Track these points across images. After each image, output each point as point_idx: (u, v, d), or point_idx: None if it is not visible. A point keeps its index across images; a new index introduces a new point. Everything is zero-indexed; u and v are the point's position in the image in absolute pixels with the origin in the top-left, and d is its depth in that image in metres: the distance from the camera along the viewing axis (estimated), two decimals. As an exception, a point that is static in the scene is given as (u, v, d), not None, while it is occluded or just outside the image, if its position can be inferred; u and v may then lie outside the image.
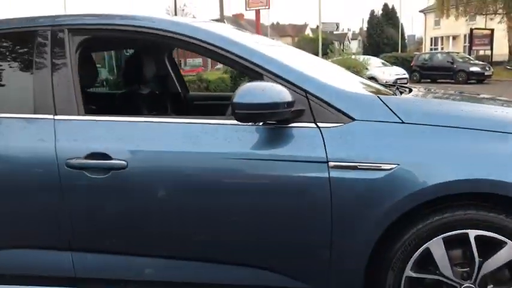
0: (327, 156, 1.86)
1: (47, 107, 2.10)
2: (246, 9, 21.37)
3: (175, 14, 27.49)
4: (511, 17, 29.27)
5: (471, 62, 24.65)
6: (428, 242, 1.86)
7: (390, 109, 1.93)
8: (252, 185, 1.96)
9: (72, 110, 2.10)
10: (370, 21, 60.14)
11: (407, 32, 62.14)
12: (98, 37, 2.42)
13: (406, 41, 53.80)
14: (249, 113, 1.84)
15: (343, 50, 19.82)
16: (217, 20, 28.34)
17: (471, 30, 29.32)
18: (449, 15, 31.54)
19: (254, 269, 2.00)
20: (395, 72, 20.16)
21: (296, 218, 1.92)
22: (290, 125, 1.93)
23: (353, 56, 17.39)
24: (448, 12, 31.42)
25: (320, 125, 1.91)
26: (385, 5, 60.06)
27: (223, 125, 2.02)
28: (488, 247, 1.84)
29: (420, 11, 50.72)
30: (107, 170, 1.99)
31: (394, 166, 1.83)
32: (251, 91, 1.83)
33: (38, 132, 2.08)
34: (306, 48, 2.82)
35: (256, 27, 21.27)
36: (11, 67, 2.31)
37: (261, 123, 1.94)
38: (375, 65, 20.49)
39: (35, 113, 2.12)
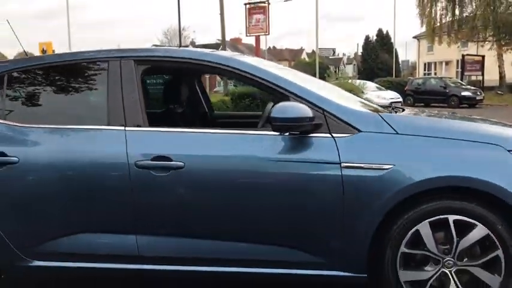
0: (340, 159, 2.44)
1: (119, 120, 2.68)
2: (247, 35, 22.25)
3: (180, 38, 28.24)
4: (500, 44, 30.29)
5: (463, 87, 25.51)
6: (418, 225, 2.43)
7: (388, 123, 2.52)
8: (281, 181, 2.52)
9: (139, 122, 2.68)
10: (365, 47, 61.43)
11: (402, 57, 63.35)
12: (157, 66, 3.03)
13: (401, 66, 54.95)
14: (282, 125, 2.43)
15: (339, 74, 20.62)
16: (218, 45, 29.11)
17: (463, 56, 30.30)
18: (441, 41, 32.60)
19: (285, 248, 2.55)
20: (389, 96, 20.88)
21: (318, 206, 2.48)
22: (310, 135, 2.51)
23: (349, 80, 18.15)
24: (440, 39, 32.49)
25: (334, 135, 2.50)
26: (380, 31, 61.43)
27: (257, 135, 2.62)
28: (464, 228, 2.41)
29: (414, 37, 52.00)
30: (168, 169, 2.56)
31: (390, 166, 2.41)
32: (284, 109, 2.43)
33: (112, 139, 2.65)
34: (303, 72, 3.37)
35: (256, 52, 22.08)
36: (89, 89, 2.91)
37: (287, 133, 2.53)
38: (370, 89, 21.22)
39: (108, 124, 2.70)
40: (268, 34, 21.81)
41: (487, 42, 31.58)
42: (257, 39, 22.12)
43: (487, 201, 2.39)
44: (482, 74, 30.30)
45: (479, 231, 2.40)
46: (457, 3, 30.56)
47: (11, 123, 2.79)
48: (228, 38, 24.66)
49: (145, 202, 2.62)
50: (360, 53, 65.23)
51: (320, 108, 2.55)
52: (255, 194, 2.55)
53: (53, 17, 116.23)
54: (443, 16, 31.58)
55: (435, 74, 47.12)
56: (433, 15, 31.21)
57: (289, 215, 2.53)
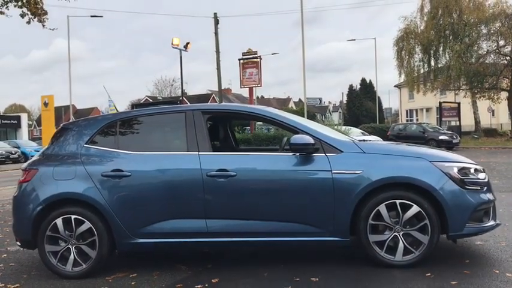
0: (331, 168, 4.12)
1: (194, 148, 4.35)
2: (241, 87, 24.33)
3: (182, 88, 30.27)
4: (473, 92, 32.60)
5: (440, 131, 27.56)
6: (378, 206, 4.08)
7: (358, 146, 4.23)
8: (296, 182, 4.18)
9: (207, 149, 4.35)
10: (349, 95, 64.01)
11: (385, 105, 66.13)
12: (217, 116, 4.77)
13: (384, 113, 57.54)
14: (297, 148, 4.13)
15: (326, 122, 22.57)
16: (209, 95, 31.06)
17: (440, 103, 32.45)
18: (419, 90, 34.90)
19: (299, 224, 4.16)
20: (373, 139, 22.61)
21: (319, 196, 4.12)
22: (313, 154, 4.19)
23: (336, 127, 20.11)
24: (418, 88, 34.82)
25: (327, 154, 4.19)
26: (363, 80, 64.30)
27: (279, 155, 4.33)
28: (405, 208, 4.07)
29: (395, 86, 54.87)
30: (226, 177, 4.21)
31: (360, 171, 4.09)
32: (298, 138, 4.14)
33: (190, 160, 4.31)
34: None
35: (250, 102, 24.03)
36: (174, 128, 4.61)
37: (298, 154, 4.21)
38: (355, 134, 23.09)
39: (188, 151, 4.36)
40: (261, 86, 23.99)
41: (461, 90, 33.91)
42: (250, 90, 24.20)
43: (418, 191, 4.07)
44: (459, 120, 32.39)
45: (415, 209, 4.05)
46: (432, 55, 33.06)
47: (123, 151, 4.45)
48: (217, 89, 26.99)
49: (211, 198, 4.24)
50: (344, 101, 67.94)
51: (318, 138, 4.25)
52: (280, 191, 4.19)
53: (45, 69, 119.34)
54: (420, 67, 33.99)
55: (417, 120, 49.65)
56: (412, 65, 33.57)
57: (301, 203, 4.16)
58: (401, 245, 4.07)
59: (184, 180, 4.29)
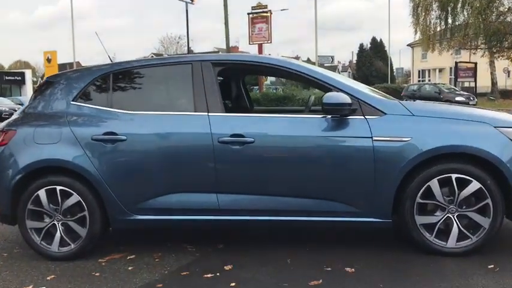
0: (371, 134, 3.33)
1: (202, 107, 3.56)
2: (250, 44, 23.21)
3: (188, 45, 29.19)
4: (492, 51, 31.36)
5: (456, 92, 26.58)
6: (429, 182, 3.31)
7: (406, 108, 3.42)
8: (328, 152, 3.40)
9: (218, 109, 3.56)
10: (359, 54, 62.72)
11: (395, 65, 64.71)
12: (230, 68, 3.93)
13: (395, 73, 56.17)
14: (330, 108, 3.32)
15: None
16: (217, 53, 30.13)
17: (456, 63, 31.37)
18: (435, 49, 33.67)
19: (330, 201, 3.41)
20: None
21: (356, 169, 3.36)
22: (348, 117, 3.39)
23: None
24: (433, 47, 33.57)
25: (367, 117, 3.38)
26: (374, 39, 62.75)
27: (306, 118, 3.53)
28: (462, 184, 3.30)
29: (408, 45, 53.28)
30: (241, 143, 3.43)
31: (408, 138, 3.29)
32: (332, 97, 3.32)
33: (198, 123, 3.52)
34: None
35: (259, 60, 22.94)
36: (179, 84, 3.80)
37: (330, 116, 3.41)
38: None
39: (195, 111, 3.57)
40: (271, 42, 22.79)
41: (479, 50, 32.66)
42: (260, 47, 23.08)
43: (479, 163, 3.28)
44: (475, 81, 31.36)
45: (474, 185, 3.28)
46: (449, 12, 31.62)
47: (117, 110, 3.67)
48: (224, 47, 25.74)
49: (224, 168, 3.49)
50: (354, 61, 66.43)
51: (356, 97, 3.44)
52: (306, 162, 3.42)
53: (52, 26, 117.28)
54: (436, 25, 32.67)
55: (429, 80, 48.37)
56: (428, 23, 32.28)
57: (333, 176, 3.40)
58: (455, 229, 3.33)
59: (191, 147, 3.53)
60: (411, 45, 51.55)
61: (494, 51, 31.27)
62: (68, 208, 3.65)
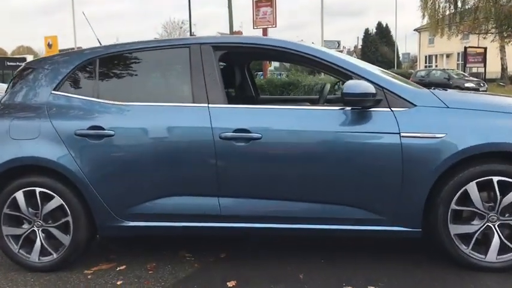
0: (399, 129, 2.84)
1: (202, 98, 3.07)
2: (254, 28, 22.48)
3: (191, 29, 28.56)
4: (503, 36, 30.56)
5: (466, 78, 25.88)
6: (466, 185, 2.82)
7: (439, 99, 2.92)
8: (348, 150, 2.90)
9: (220, 100, 3.07)
10: (364, 39, 61.71)
11: (401, 50, 63.74)
12: (234, 52, 3.42)
13: (401, 58, 55.26)
14: (352, 99, 2.82)
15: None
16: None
17: (465, 48, 30.53)
18: (444, 34, 32.88)
19: (351, 207, 2.94)
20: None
21: (380, 169, 2.87)
22: (372, 109, 2.89)
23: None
24: (442, 31, 32.77)
25: (393, 109, 2.89)
26: (379, 24, 61.74)
27: (322, 110, 3.03)
28: (506, 188, 2.81)
29: (415, 30, 52.30)
30: (247, 140, 2.95)
31: (443, 135, 2.80)
32: (353, 86, 2.82)
33: (197, 115, 3.04)
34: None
35: (263, 45, 22.32)
36: (174, 70, 3.30)
37: (350, 108, 2.91)
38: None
39: (193, 102, 3.08)
40: (275, 27, 22.02)
41: (489, 34, 31.85)
42: (264, 31, 22.38)
43: (526, 164, 2.79)
44: (485, 66, 30.58)
45: (520, 190, 2.79)
46: (459, -5, 30.85)
47: (104, 101, 3.18)
48: (228, 32, 24.96)
49: (227, 169, 3.01)
50: (359, 46, 65.46)
51: (380, 86, 2.94)
52: (322, 161, 2.94)
53: (53, 12, 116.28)
54: (445, 8, 31.86)
55: (436, 66, 47.44)
56: (436, 7, 31.47)
57: (353, 178, 2.92)
58: (496, 240, 2.85)
59: (188, 144, 3.04)
60: (418, 29, 50.53)
61: (505, 35, 30.47)
62: (49, 213, 3.19)
